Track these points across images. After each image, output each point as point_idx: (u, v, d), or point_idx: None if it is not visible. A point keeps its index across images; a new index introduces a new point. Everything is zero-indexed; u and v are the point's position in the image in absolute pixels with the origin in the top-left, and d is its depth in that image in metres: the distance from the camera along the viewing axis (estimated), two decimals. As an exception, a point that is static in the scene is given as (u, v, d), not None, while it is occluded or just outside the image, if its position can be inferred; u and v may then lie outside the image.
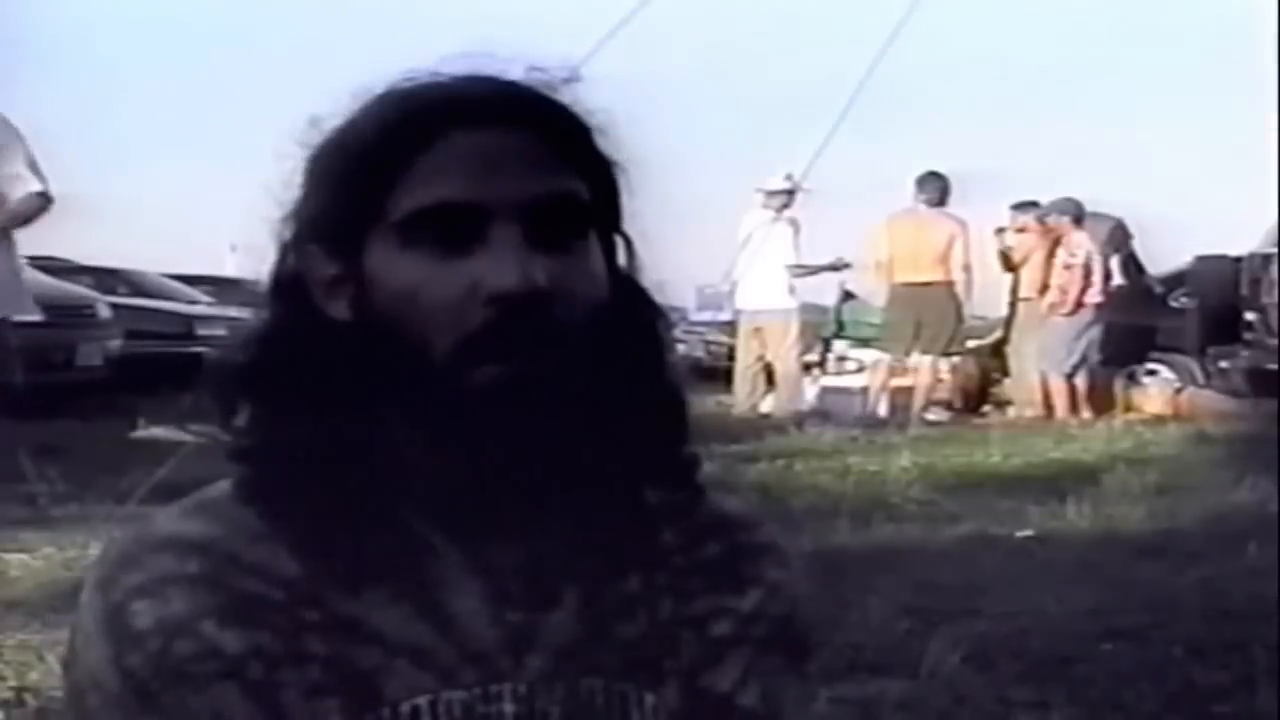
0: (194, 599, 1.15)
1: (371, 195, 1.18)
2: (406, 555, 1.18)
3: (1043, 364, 13.13)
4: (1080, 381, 13.01)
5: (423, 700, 1.18)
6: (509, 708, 1.19)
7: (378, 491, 1.18)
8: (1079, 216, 13.26)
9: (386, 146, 1.18)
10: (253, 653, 1.15)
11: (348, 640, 1.17)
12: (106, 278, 16.08)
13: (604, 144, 1.24)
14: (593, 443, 1.18)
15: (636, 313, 1.25)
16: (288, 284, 1.22)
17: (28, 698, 4.05)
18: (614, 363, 1.19)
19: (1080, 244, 13.05)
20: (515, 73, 1.23)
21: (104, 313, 13.46)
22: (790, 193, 12.47)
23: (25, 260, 14.37)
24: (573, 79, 1.25)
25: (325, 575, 1.17)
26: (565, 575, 1.22)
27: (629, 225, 1.26)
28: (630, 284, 1.25)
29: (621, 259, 1.25)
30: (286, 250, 1.23)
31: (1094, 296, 13.04)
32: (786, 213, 12.70)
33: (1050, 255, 13.15)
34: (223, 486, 1.22)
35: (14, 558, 5.90)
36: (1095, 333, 13.16)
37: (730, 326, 14.34)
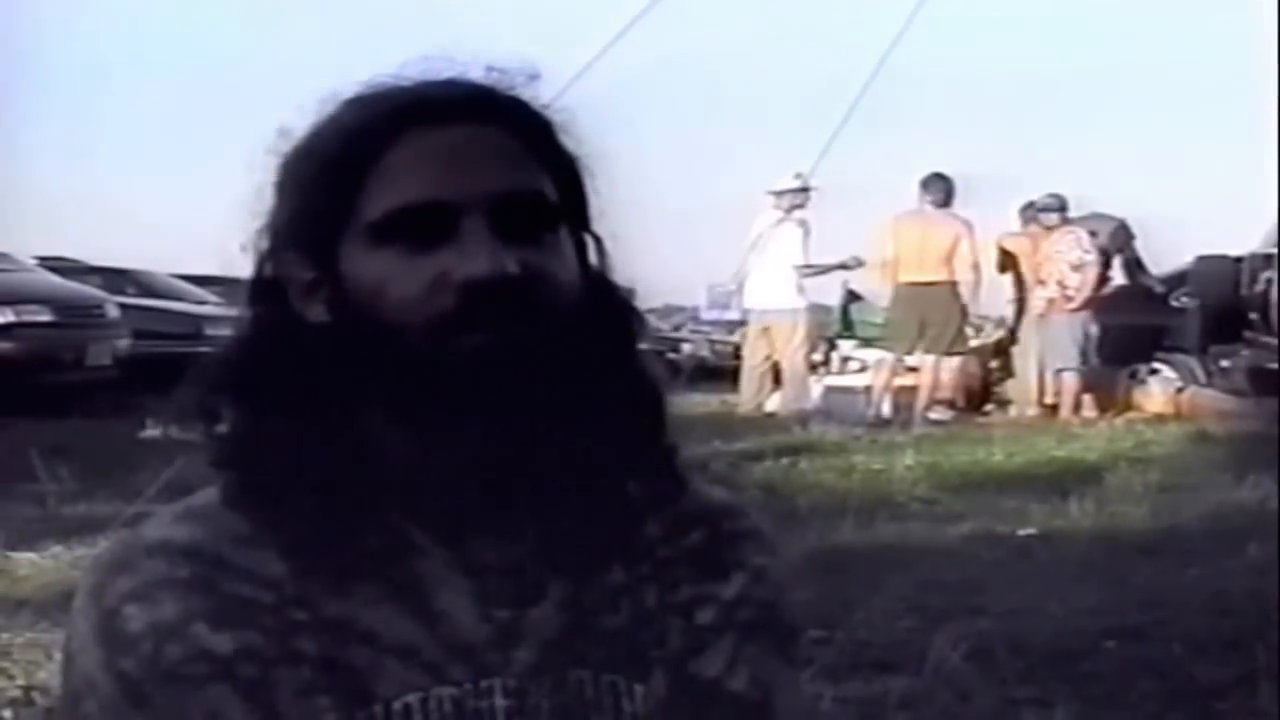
0: (184, 602, 1.16)
1: (341, 199, 1.20)
2: (392, 554, 1.19)
3: (1054, 362, 13.11)
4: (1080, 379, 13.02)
5: (413, 698, 1.19)
6: (500, 702, 1.20)
7: (361, 491, 1.19)
8: (1063, 209, 13.25)
9: (351, 150, 1.20)
10: (244, 654, 1.16)
11: (338, 640, 1.18)
12: (116, 278, 16.08)
13: (567, 141, 1.25)
14: (570, 434, 1.19)
15: (609, 308, 1.25)
16: (266, 290, 1.23)
17: (36, 696, 4.07)
18: (587, 356, 1.19)
19: (1086, 241, 13.05)
20: (475, 74, 1.24)
21: (113, 313, 13.48)
22: (801, 191, 12.45)
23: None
24: (533, 78, 1.26)
25: (313, 576, 1.18)
26: (550, 569, 1.23)
27: (612, 223, 1.27)
28: (602, 280, 1.26)
29: (593, 256, 1.27)
30: (264, 258, 1.24)
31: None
32: (797, 213, 12.69)
33: (1051, 255, 13.15)
34: (211, 492, 1.23)
35: (23, 557, 5.90)
36: (1095, 331, 13.16)
37: (739, 325, 14.34)
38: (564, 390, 1.17)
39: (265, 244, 1.24)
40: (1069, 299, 12.96)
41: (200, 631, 1.16)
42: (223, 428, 1.23)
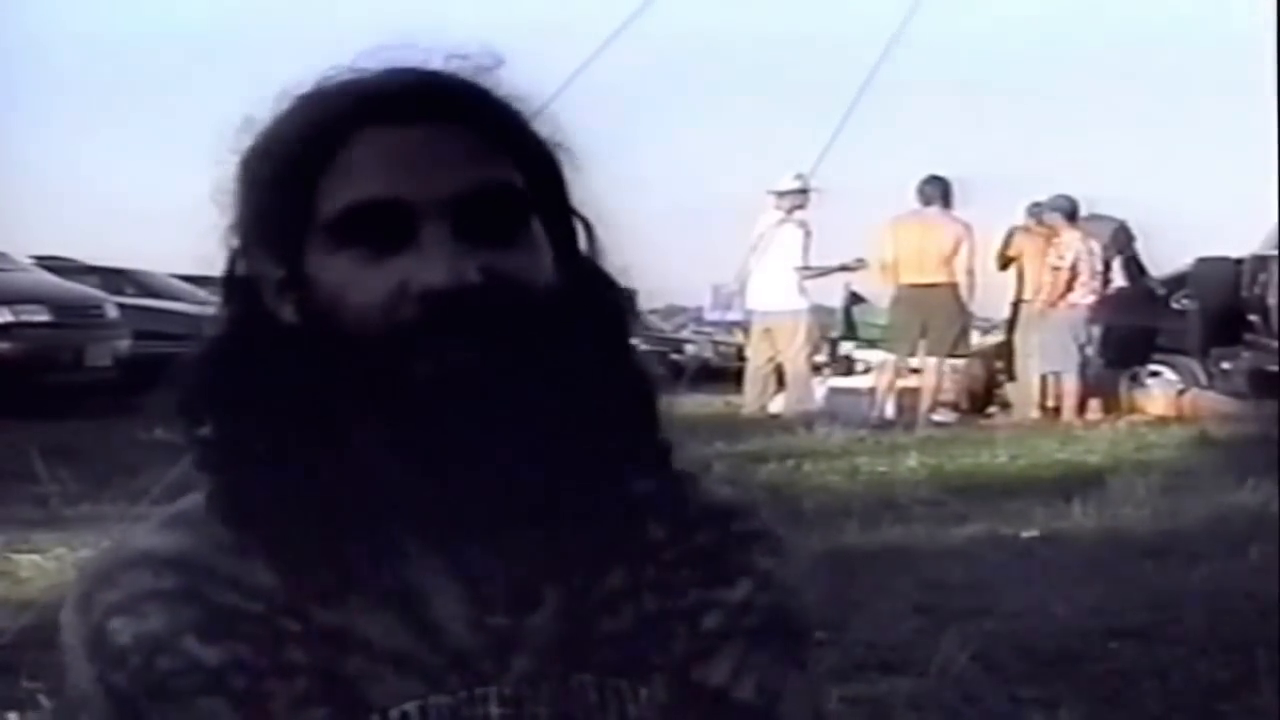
0: (172, 614, 1.14)
1: (299, 199, 1.16)
2: (383, 562, 1.16)
3: (1045, 365, 13.14)
4: (1079, 382, 13.03)
5: (410, 706, 1.16)
6: (495, 710, 1.18)
7: (344, 498, 1.16)
8: (1073, 213, 13.26)
9: (306, 150, 1.16)
10: (235, 665, 1.14)
11: (331, 649, 1.16)
12: (114, 278, 16.04)
13: (540, 127, 1.21)
14: (555, 433, 1.15)
15: (596, 296, 1.21)
16: (239, 289, 1.21)
17: (40, 698, 4.07)
18: (571, 348, 1.16)
19: (1069, 244, 13.05)
20: (436, 62, 1.20)
21: (112, 313, 13.45)
22: (802, 192, 12.45)
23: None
24: (498, 63, 1.22)
25: (301, 585, 1.16)
26: (547, 574, 1.20)
27: (599, 209, 1.23)
28: (590, 267, 1.22)
29: (581, 242, 1.22)
30: (235, 255, 1.21)
31: (1084, 296, 13.04)
32: (799, 214, 12.69)
33: (1045, 254, 13.18)
34: (197, 498, 1.20)
35: (25, 558, 5.89)
36: (1094, 333, 13.17)
37: (742, 326, 14.35)
38: (544, 393, 1.14)
39: (235, 241, 1.21)
40: (1053, 303, 13.00)
41: (189, 644, 1.14)
42: (206, 430, 1.20)
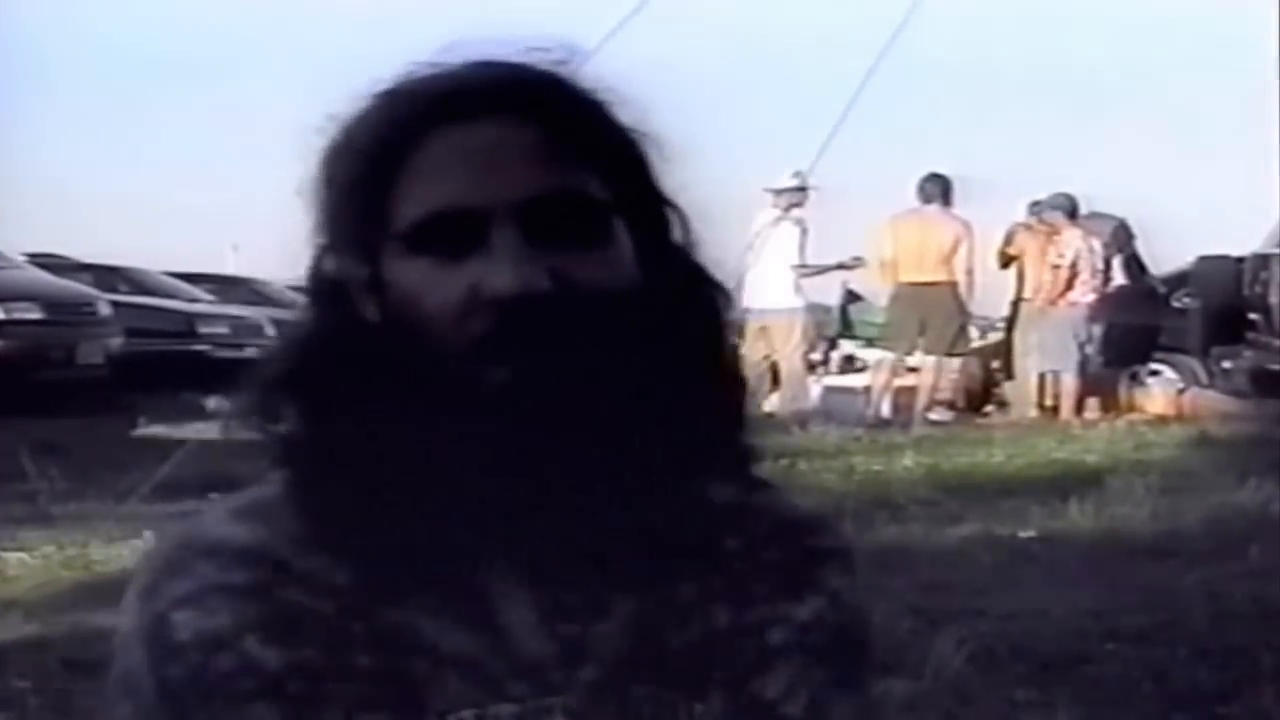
0: (236, 612, 1.12)
1: (375, 200, 1.14)
2: (454, 564, 1.14)
3: (1044, 363, 13.14)
4: (1077, 381, 13.03)
5: (468, 714, 1.14)
6: None
7: (424, 499, 1.13)
8: (1073, 212, 13.26)
9: (380, 151, 1.15)
10: (295, 669, 1.12)
11: (395, 651, 1.14)
12: (107, 275, 16.12)
13: (624, 116, 1.18)
14: (634, 439, 1.12)
15: (688, 292, 1.18)
16: (328, 287, 1.18)
17: (28, 697, 4.05)
18: (653, 351, 1.13)
19: (1069, 243, 13.06)
20: (514, 56, 1.17)
21: (105, 310, 13.50)
22: (800, 190, 12.43)
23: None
24: (575, 57, 1.18)
25: (375, 584, 1.14)
26: (617, 583, 1.17)
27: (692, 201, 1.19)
28: (682, 260, 1.19)
29: (676, 234, 1.19)
30: (320, 254, 1.19)
31: (1084, 294, 13.04)
32: (796, 211, 12.67)
33: (1046, 253, 13.19)
34: (267, 490, 1.18)
35: (12, 556, 5.90)
36: (1095, 331, 13.17)
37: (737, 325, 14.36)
38: (620, 400, 1.10)
39: (321, 240, 1.18)
40: (1053, 301, 13.02)
41: (251, 645, 1.12)
42: (282, 427, 1.17)
